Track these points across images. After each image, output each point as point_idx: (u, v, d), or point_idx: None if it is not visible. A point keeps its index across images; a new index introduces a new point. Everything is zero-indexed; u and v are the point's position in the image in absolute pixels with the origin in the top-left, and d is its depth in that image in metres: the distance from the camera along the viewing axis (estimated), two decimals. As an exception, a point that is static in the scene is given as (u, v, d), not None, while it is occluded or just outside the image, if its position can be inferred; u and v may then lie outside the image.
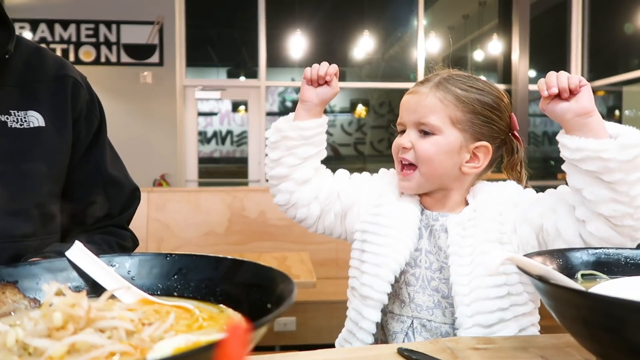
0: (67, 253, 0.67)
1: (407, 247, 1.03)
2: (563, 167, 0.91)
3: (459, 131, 1.02)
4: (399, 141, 1.05)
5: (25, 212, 0.96)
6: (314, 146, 1.10)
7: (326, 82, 1.08)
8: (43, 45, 1.11)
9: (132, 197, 1.17)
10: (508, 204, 1.02)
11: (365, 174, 1.18)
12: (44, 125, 1.01)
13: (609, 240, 0.88)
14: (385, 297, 1.02)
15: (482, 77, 1.09)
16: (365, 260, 1.05)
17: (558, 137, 0.91)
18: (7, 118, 0.98)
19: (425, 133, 1.03)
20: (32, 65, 1.04)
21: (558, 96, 0.89)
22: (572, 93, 0.88)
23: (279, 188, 1.11)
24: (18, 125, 0.98)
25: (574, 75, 0.88)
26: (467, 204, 1.07)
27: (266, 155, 1.13)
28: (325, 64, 1.08)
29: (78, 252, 0.67)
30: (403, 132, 1.07)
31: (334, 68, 1.08)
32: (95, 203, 1.10)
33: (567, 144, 0.88)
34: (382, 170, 1.18)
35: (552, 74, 0.90)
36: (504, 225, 1.00)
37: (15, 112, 0.99)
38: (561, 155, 0.90)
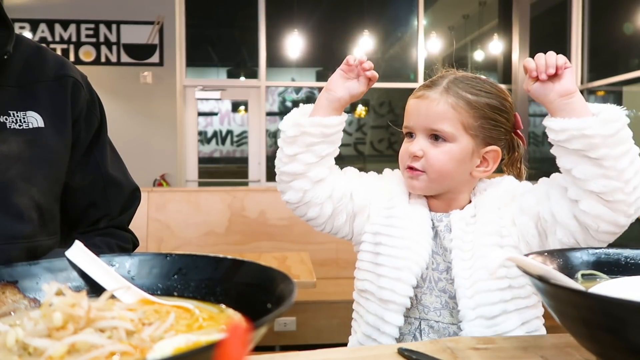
0: (67, 253, 0.67)
1: (426, 249, 1.02)
2: (552, 150, 0.92)
3: (471, 137, 1.01)
4: (410, 149, 1.03)
5: (25, 213, 0.96)
6: (332, 144, 1.06)
7: (358, 77, 1.05)
8: (43, 45, 1.11)
9: (132, 197, 1.16)
10: (506, 197, 1.03)
11: (372, 173, 1.15)
12: (43, 125, 1.00)
13: (602, 217, 0.88)
14: (407, 301, 1.00)
15: (484, 77, 1.09)
16: (381, 264, 1.03)
17: (544, 122, 0.93)
18: (6, 119, 0.98)
19: (436, 138, 1.02)
20: (32, 65, 1.04)
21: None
22: (557, 73, 0.90)
23: (290, 185, 1.06)
24: (17, 126, 0.98)
25: (560, 56, 0.91)
26: (470, 202, 1.07)
27: (277, 148, 1.08)
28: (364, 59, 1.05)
29: (78, 251, 0.67)
30: (408, 134, 1.06)
31: (370, 65, 1.04)
32: (95, 203, 1.09)
33: (553, 127, 0.90)
34: (387, 171, 1.16)
35: (540, 56, 0.91)
36: (503, 219, 1.00)
37: (14, 112, 0.99)
38: (549, 139, 0.92)
